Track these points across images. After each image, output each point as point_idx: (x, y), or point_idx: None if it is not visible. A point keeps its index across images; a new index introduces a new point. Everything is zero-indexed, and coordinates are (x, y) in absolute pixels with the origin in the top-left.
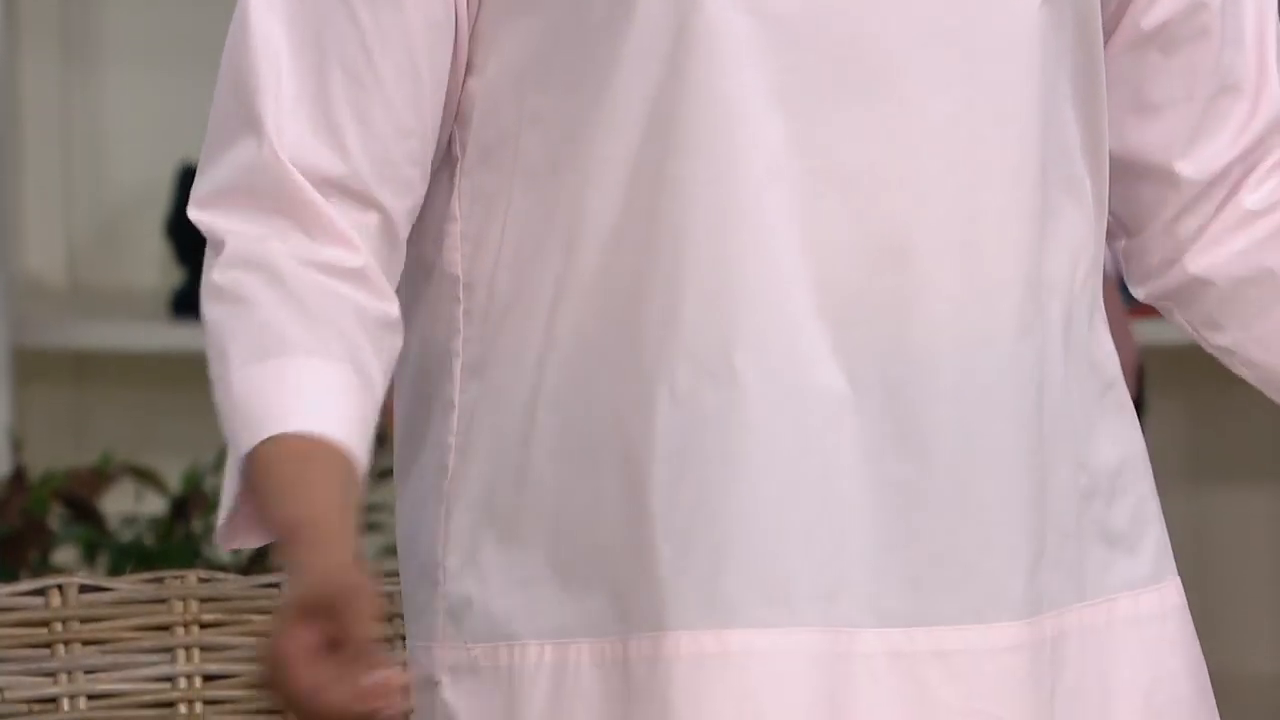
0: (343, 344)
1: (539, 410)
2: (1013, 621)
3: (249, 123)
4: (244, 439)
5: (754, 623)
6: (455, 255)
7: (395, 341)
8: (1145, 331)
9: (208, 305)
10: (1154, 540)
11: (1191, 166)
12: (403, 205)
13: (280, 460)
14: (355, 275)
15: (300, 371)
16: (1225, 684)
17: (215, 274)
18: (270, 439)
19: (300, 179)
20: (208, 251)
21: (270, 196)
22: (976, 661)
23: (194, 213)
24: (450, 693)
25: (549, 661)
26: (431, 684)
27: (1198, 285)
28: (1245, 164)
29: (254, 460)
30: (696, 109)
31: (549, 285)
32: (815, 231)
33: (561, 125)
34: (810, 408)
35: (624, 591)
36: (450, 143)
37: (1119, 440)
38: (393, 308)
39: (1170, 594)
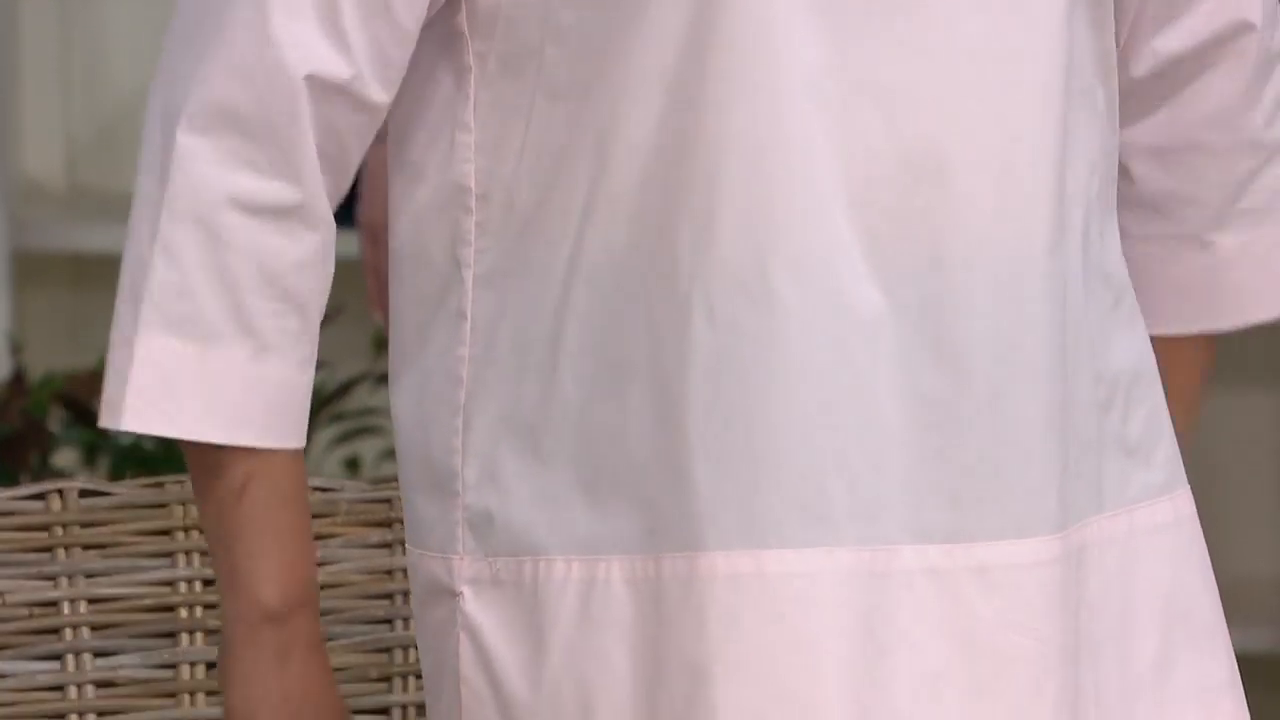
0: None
1: (567, 325)
2: (1048, 535)
3: (251, 21)
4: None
5: (791, 543)
6: (467, 167)
7: (323, 271)
8: None
9: (145, 206)
10: (1166, 450)
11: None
12: (388, 99)
13: (276, 488)
14: (291, 214)
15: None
16: (1227, 587)
17: (167, 208)
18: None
19: (297, 86)
20: (171, 153)
21: (255, 119)
22: (1014, 576)
23: (184, 135)
24: (472, 605)
25: (577, 577)
26: (450, 595)
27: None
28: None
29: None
30: (734, 25)
31: (579, 200)
32: (852, 149)
33: (593, 40)
34: (847, 325)
35: (657, 510)
36: (463, 53)
37: (1132, 351)
38: (327, 234)
39: (1183, 503)
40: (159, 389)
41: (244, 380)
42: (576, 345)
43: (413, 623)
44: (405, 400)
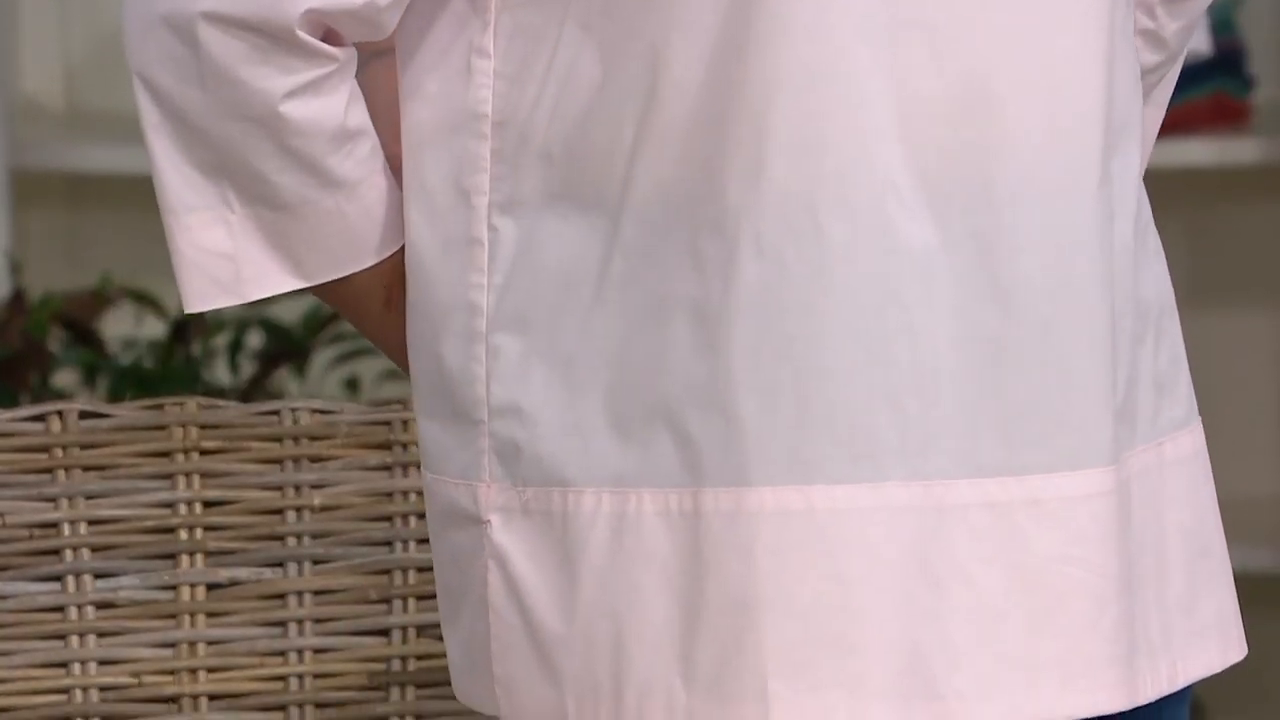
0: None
1: (612, 257)
2: (1102, 467)
3: None
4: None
5: (840, 478)
6: (484, 93)
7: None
8: None
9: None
10: (1185, 383)
11: None
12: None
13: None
14: (329, 78)
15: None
16: (1227, 508)
17: (217, 113)
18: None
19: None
20: (199, 54)
21: (265, 27)
22: (1069, 508)
23: (207, 29)
24: (501, 534)
25: (607, 510)
26: (474, 521)
27: None
28: None
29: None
30: None
31: (625, 135)
32: (901, 84)
33: None
34: (897, 261)
35: (696, 444)
36: None
37: (1159, 282)
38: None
39: (1199, 436)
40: (281, 251)
41: (354, 216)
42: (620, 277)
43: (413, 545)
44: (419, 327)
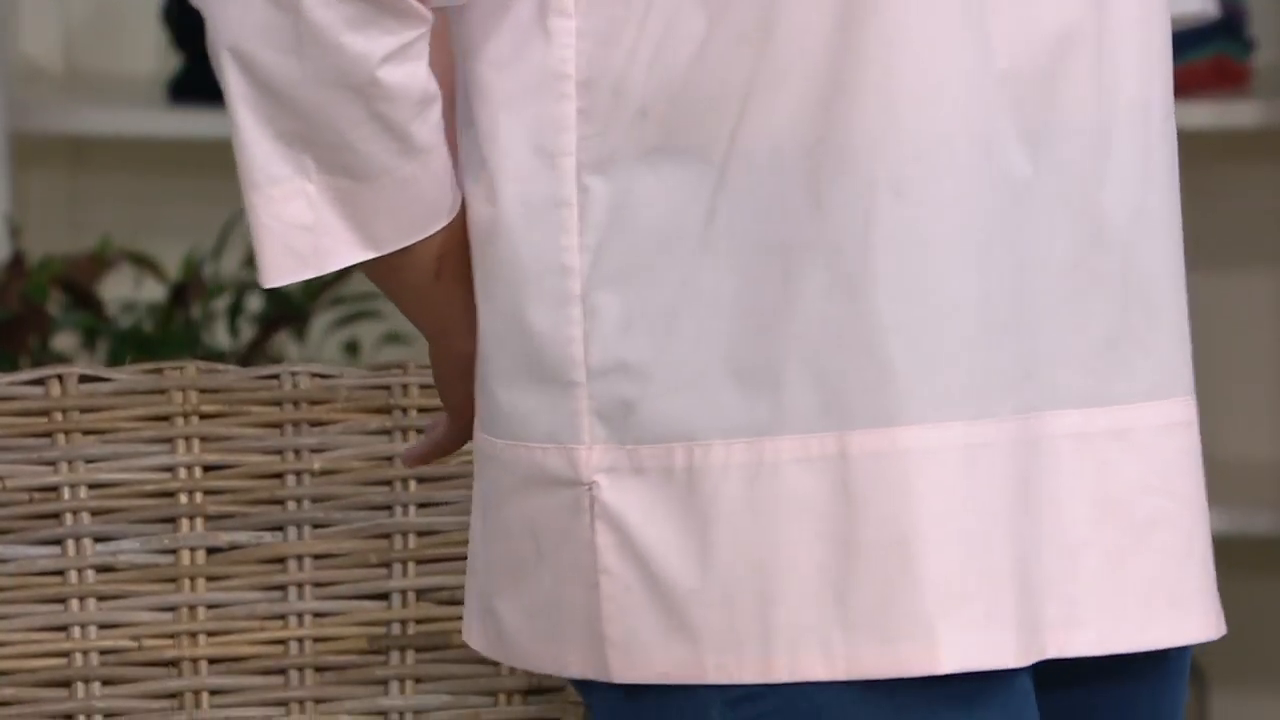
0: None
1: (718, 208)
2: (1182, 396)
3: None
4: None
5: (971, 415)
6: (566, 53)
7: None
8: None
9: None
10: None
11: None
12: None
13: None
14: (415, 43)
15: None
16: (1225, 469)
17: (314, 81)
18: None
19: None
20: (305, 26)
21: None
22: (1155, 439)
23: (314, 9)
24: (611, 494)
25: (739, 460)
26: (571, 484)
27: None
28: None
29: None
30: None
31: (734, 87)
32: (1003, 19)
33: None
34: (1005, 194)
35: (838, 387)
36: None
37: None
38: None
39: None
40: (354, 222)
41: (425, 183)
42: (726, 226)
43: (412, 509)
44: (496, 292)
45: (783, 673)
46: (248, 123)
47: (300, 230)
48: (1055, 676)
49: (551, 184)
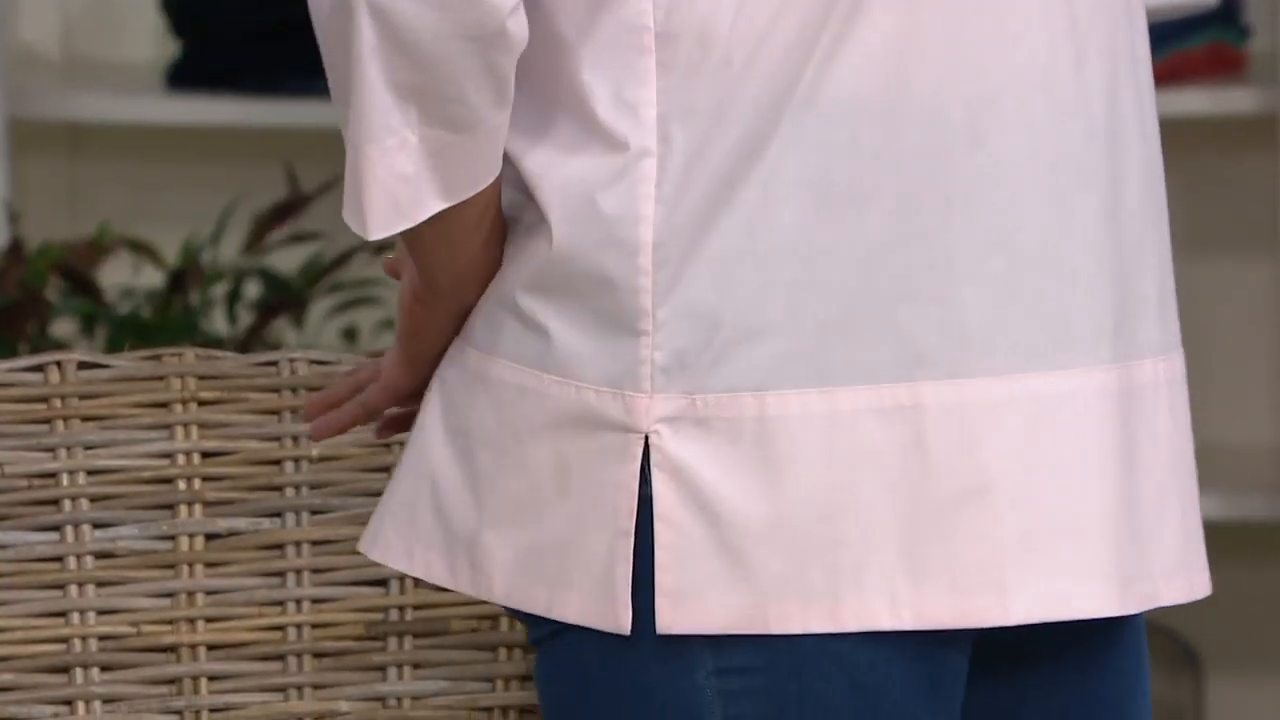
0: None
1: (787, 160)
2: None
3: None
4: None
5: (1053, 365)
6: (645, 5)
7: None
8: None
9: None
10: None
11: None
12: None
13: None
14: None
15: None
16: (1221, 454)
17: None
18: None
19: None
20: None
21: None
22: (1185, 389)
23: None
24: (674, 444)
25: (812, 410)
26: (623, 431)
27: None
28: None
29: None
30: None
31: (816, 37)
32: None
33: None
34: (1068, 150)
35: (913, 337)
36: None
37: None
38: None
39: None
40: (438, 174)
41: (501, 132)
42: (795, 175)
43: None
44: (570, 234)
45: (849, 621)
46: (372, 75)
47: (402, 182)
48: (1009, 656)
49: (634, 135)
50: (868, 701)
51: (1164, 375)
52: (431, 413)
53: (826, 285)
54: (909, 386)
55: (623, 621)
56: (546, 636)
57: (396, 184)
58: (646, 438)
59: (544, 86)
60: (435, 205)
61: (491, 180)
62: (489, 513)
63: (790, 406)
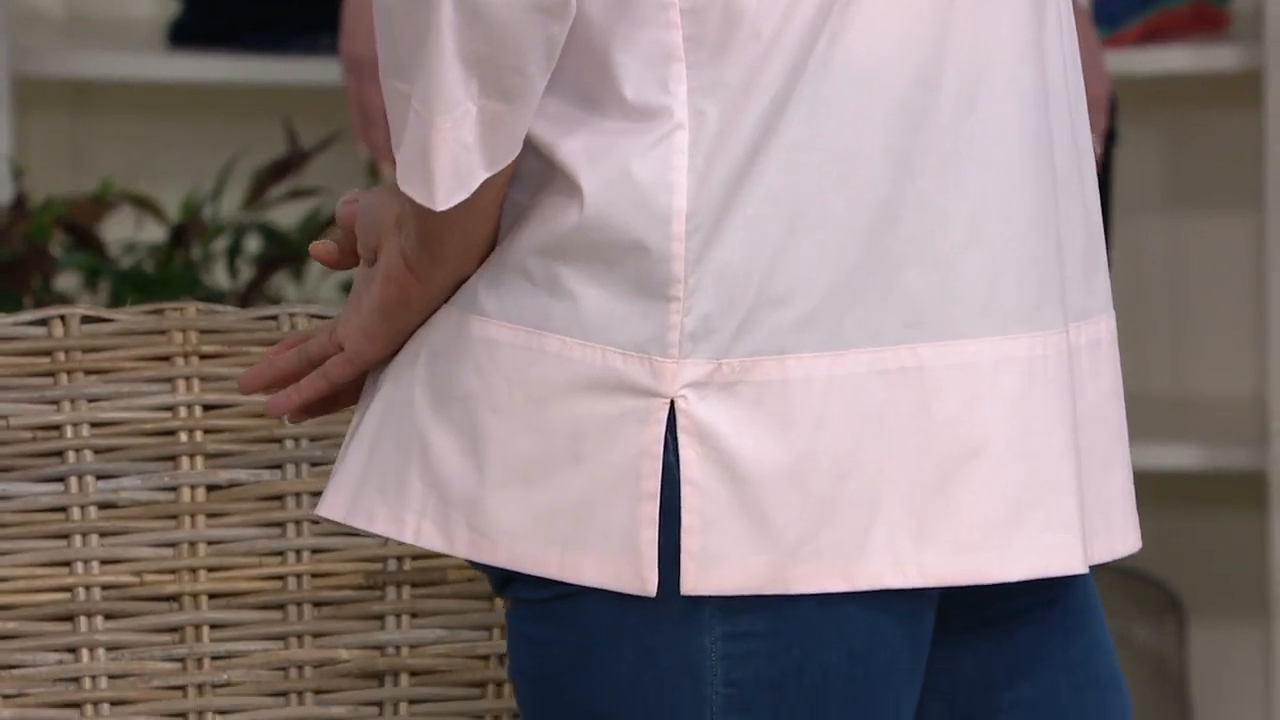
0: None
1: (803, 127)
2: (1112, 312)
3: None
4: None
5: (1036, 326)
6: None
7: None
8: (1117, 62)
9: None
10: None
11: None
12: None
13: None
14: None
15: None
16: (1203, 406)
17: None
18: None
19: None
20: None
21: None
22: (1113, 350)
23: None
24: (700, 408)
25: (826, 373)
26: (648, 395)
27: None
28: None
29: None
30: None
31: (825, 6)
32: None
33: None
34: (1014, 108)
35: (916, 299)
36: None
37: None
38: None
39: None
40: (487, 142)
41: (536, 105)
42: (812, 139)
43: None
44: (598, 197)
45: (860, 581)
46: (448, 47)
47: (464, 151)
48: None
49: (666, 109)
50: (859, 671)
51: (1087, 339)
52: (414, 381)
53: (839, 249)
54: (911, 348)
55: (649, 584)
56: (544, 600)
57: (461, 154)
58: (672, 403)
59: (575, 62)
60: (482, 175)
61: (519, 149)
62: (494, 477)
63: (809, 369)
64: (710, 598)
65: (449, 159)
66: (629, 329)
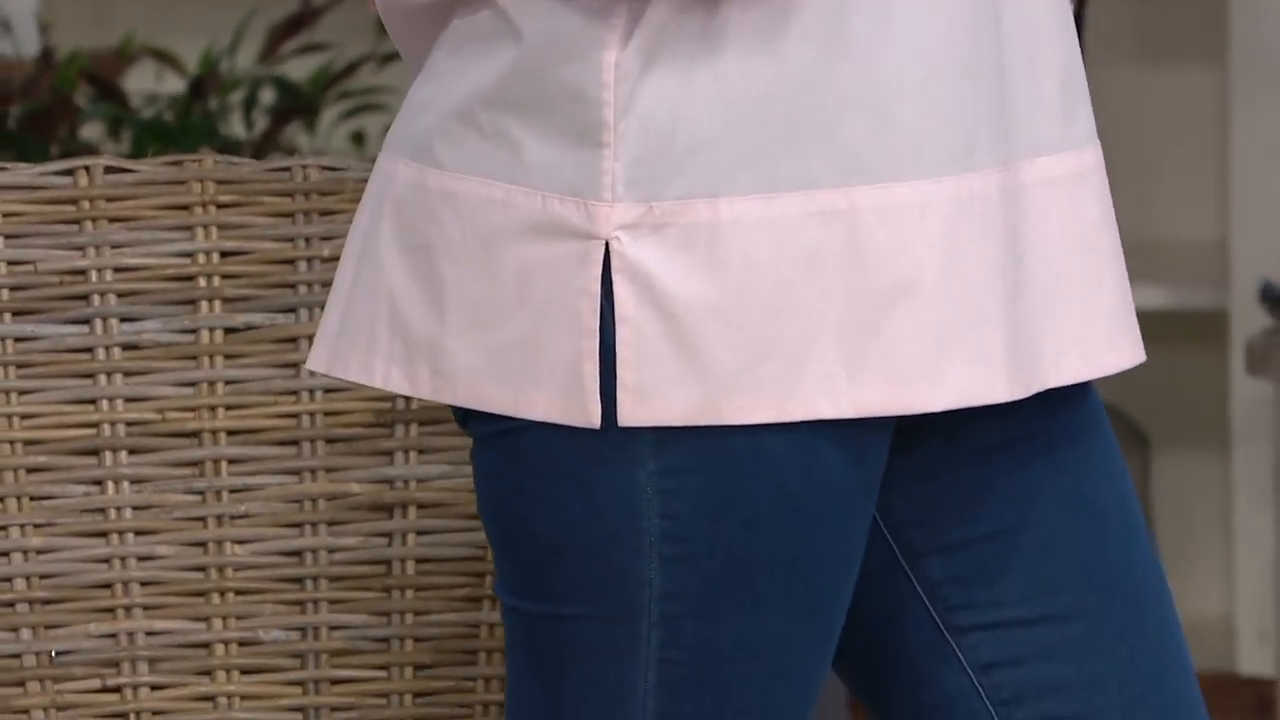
0: None
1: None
2: (1098, 142)
3: None
4: None
5: (969, 167)
6: None
7: None
8: None
9: None
10: None
11: None
12: None
13: None
14: None
15: None
16: (1167, 248)
17: None
18: None
19: None
20: None
21: None
22: (1099, 178)
23: None
24: (633, 249)
25: (758, 215)
26: (585, 237)
27: None
28: None
29: None
30: None
31: None
32: None
33: None
34: None
35: (849, 145)
36: None
37: None
38: None
39: None
40: None
41: None
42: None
43: None
44: (536, 49)
45: (795, 411)
46: None
47: None
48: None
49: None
50: (791, 504)
51: (1053, 174)
52: (384, 235)
53: (773, 101)
54: (845, 191)
55: (593, 417)
56: (494, 434)
57: None
58: (607, 244)
59: None
60: None
61: None
62: (452, 321)
63: (739, 211)
64: (644, 433)
65: None
66: (566, 174)
